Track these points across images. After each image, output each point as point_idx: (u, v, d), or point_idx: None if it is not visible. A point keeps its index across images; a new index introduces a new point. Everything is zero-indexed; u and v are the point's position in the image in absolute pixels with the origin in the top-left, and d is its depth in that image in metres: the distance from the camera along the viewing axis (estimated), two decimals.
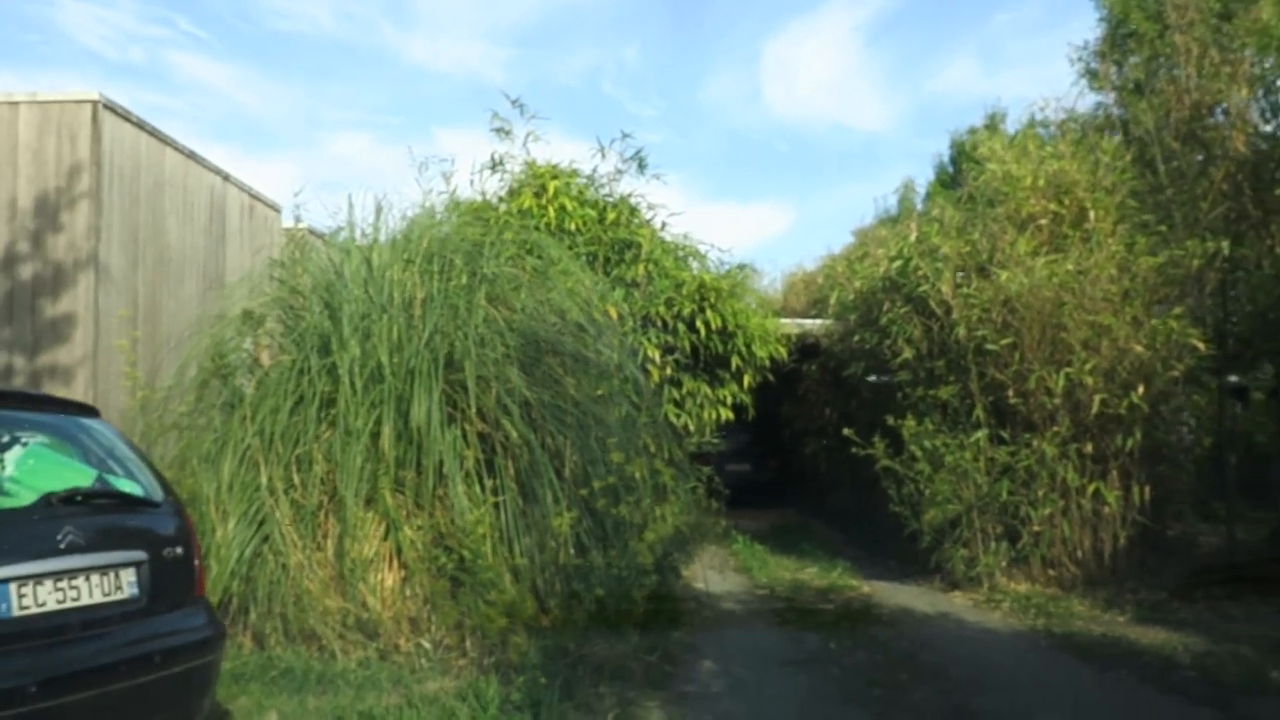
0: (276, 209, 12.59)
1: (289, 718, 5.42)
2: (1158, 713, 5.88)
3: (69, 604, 3.82)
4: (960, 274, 9.95)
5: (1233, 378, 13.07)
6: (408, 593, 6.81)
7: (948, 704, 5.89)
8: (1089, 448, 9.29)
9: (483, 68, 61.27)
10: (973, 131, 22.57)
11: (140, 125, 9.29)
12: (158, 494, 4.57)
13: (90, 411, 4.83)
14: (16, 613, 3.62)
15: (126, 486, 4.41)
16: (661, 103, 59.22)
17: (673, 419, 10.43)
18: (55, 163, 8.63)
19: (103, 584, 3.99)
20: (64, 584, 3.83)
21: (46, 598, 3.75)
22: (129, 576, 4.13)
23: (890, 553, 11.07)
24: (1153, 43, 11.03)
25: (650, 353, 10.46)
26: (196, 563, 4.58)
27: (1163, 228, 9.61)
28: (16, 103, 8.63)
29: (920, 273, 10.20)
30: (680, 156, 54.28)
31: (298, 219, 10.46)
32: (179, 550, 4.44)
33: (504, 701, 5.53)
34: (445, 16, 60.95)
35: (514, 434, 7.07)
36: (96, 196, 8.61)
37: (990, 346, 9.43)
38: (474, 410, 7.09)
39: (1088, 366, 9.02)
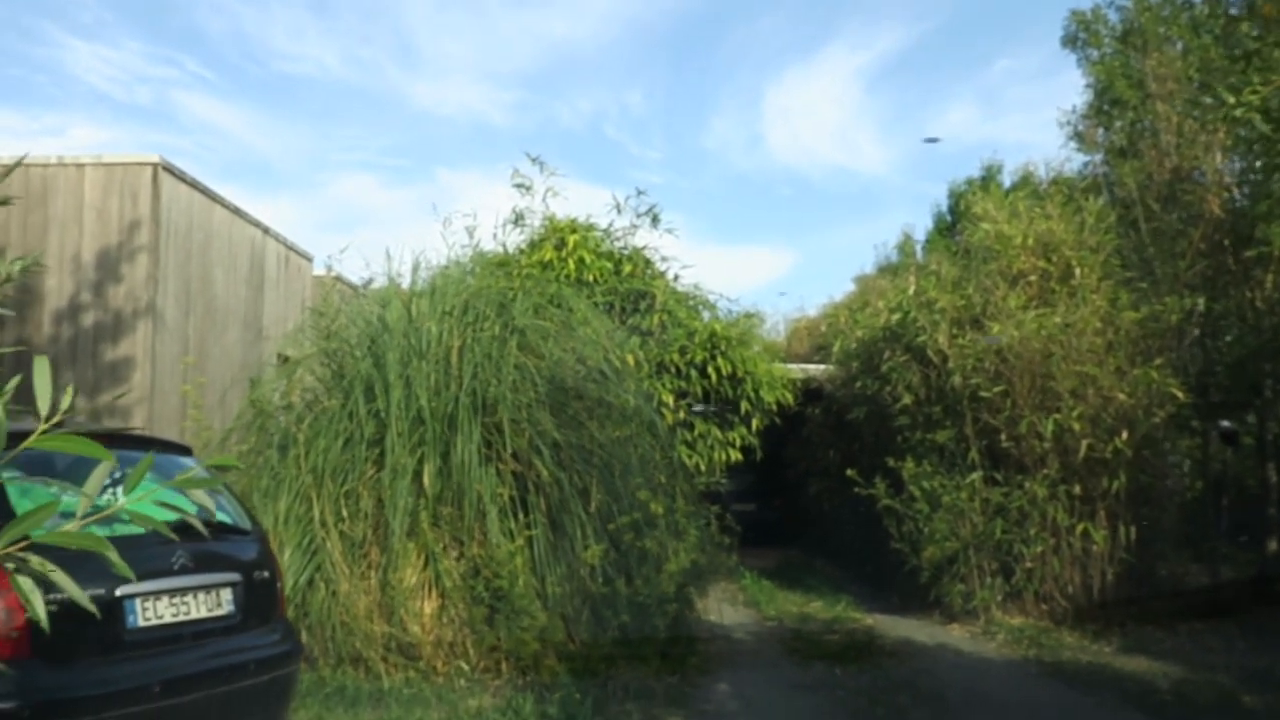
0: (309, 258, 13.30)
1: None
2: None
3: (181, 617, 4.44)
4: (955, 326, 10.61)
5: (1225, 423, 13.64)
6: (445, 619, 7.39)
7: None
8: (1077, 489, 9.87)
9: (487, 110, 62.43)
10: (970, 183, 23.39)
11: (194, 185, 10.01)
12: (246, 523, 5.19)
13: (185, 450, 5.45)
14: (141, 623, 4.23)
15: (221, 516, 5.03)
16: (664, 146, 60.31)
17: (685, 459, 11.03)
18: (118, 219, 9.33)
19: (207, 601, 4.60)
20: (177, 600, 4.44)
21: (164, 611, 4.36)
22: (227, 595, 4.74)
23: (892, 588, 11.62)
24: (1136, 109, 11.76)
25: (664, 397, 11.09)
26: (279, 585, 5.19)
27: (1144, 284, 10.27)
28: (83, 164, 9.35)
29: (918, 324, 10.88)
30: (683, 199, 55.27)
31: (328, 268, 11.14)
32: (265, 574, 5.06)
33: (541, 716, 6.11)
34: (450, 60, 62.30)
35: (545, 473, 7.68)
36: (155, 250, 9.31)
37: (984, 394, 10.06)
38: (509, 451, 7.71)
39: (1075, 413, 9.64)
